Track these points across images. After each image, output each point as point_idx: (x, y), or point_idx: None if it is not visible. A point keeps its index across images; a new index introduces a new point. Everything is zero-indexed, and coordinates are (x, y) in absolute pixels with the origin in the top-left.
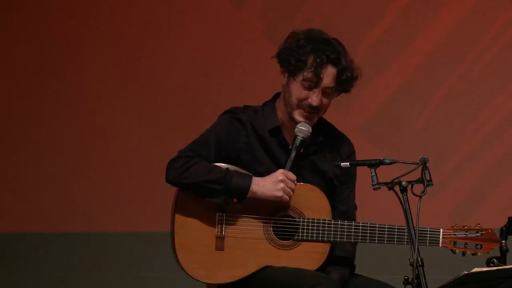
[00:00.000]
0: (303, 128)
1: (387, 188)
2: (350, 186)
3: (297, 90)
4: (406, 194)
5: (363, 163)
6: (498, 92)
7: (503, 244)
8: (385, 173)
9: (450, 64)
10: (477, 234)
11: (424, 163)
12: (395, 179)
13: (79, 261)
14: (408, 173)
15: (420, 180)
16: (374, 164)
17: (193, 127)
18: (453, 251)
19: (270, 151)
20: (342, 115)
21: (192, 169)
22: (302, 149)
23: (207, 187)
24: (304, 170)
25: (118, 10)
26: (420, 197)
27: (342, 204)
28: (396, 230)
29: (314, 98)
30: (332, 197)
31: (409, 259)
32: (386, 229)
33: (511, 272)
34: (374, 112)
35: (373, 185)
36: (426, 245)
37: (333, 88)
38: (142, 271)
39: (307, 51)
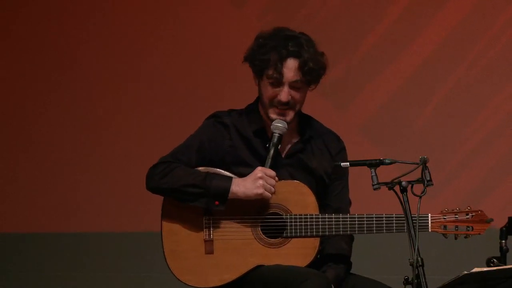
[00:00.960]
0: (279, 125)
1: (387, 188)
2: (342, 182)
3: (266, 90)
4: (406, 194)
5: (363, 163)
6: (498, 92)
7: (503, 244)
8: (385, 173)
9: (450, 64)
10: (467, 216)
11: (424, 163)
12: (395, 179)
13: (79, 261)
14: (408, 173)
15: (420, 180)
16: (374, 164)
17: (193, 127)
18: (444, 236)
19: (256, 152)
20: (342, 115)
21: (171, 175)
22: (280, 146)
23: (187, 191)
24: (292, 169)
25: (118, 10)
26: (420, 197)
27: (335, 201)
28: (384, 218)
29: (283, 94)
30: (324, 195)
31: (409, 259)
32: (374, 218)
33: (511, 272)
34: (374, 112)
35: (373, 185)
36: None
37: (300, 81)
38: (142, 271)
39: (268, 49)
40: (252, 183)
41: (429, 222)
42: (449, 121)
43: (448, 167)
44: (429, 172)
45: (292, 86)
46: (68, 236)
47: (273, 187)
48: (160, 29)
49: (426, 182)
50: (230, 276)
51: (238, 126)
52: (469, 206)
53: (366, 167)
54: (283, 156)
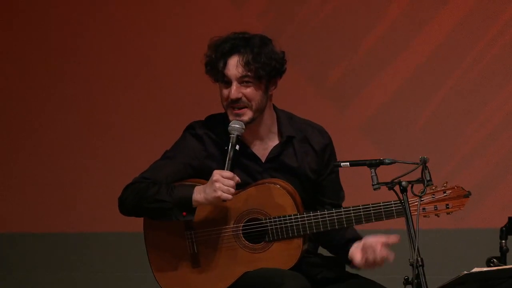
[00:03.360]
0: (235, 126)
1: (387, 188)
2: (331, 175)
3: (221, 93)
4: (406, 194)
5: (363, 163)
6: (498, 92)
7: (503, 244)
8: (385, 173)
9: (450, 64)
10: (445, 195)
11: (424, 163)
12: (395, 179)
13: (79, 261)
14: (408, 173)
15: (420, 180)
16: (374, 164)
17: None
18: (426, 217)
19: (236, 160)
20: (342, 115)
21: (138, 196)
22: (239, 147)
23: (155, 208)
24: (274, 172)
25: (118, 10)
26: (420, 197)
27: (327, 196)
28: (361, 209)
29: (231, 91)
30: (317, 192)
31: (409, 259)
32: (352, 211)
33: (511, 272)
34: (374, 112)
35: (373, 185)
36: (394, 217)
37: (247, 76)
38: (142, 271)
39: (209, 54)
40: (209, 188)
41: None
42: (449, 121)
43: (448, 167)
44: (429, 172)
45: (241, 82)
46: (68, 236)
47: (232, 187)
48: (160, 29)
49: (426, 182)
50: (221, 286)
51: (211, 135)
52: (445, 183)
53: (366, 167)
54: (263, 160)
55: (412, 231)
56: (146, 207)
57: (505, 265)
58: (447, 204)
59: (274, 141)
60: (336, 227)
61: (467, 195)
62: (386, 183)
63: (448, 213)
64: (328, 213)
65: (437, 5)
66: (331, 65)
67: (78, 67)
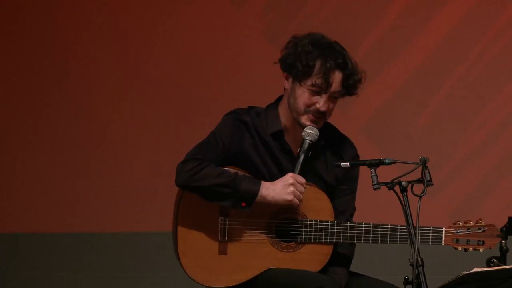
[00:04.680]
0: (311, 132)
1: (387, 188)
2: (350, 188)
3: (304, 96)
4: (406, 194)
5: (363, 163)
6: (498, 92)
7: (503, 244)
8: (385, 173)
9: (450, 64)
10: (479, 231)
11: (424, 163)
12: (395, 179)
13: (79, 261)
14: (408, 173)
15: (420, 180)
16: (374, 164)
17: (193, 128)
18: (455, 248)
19: (273, 155)
20: (342, 115)
21: (202, 173)
22: (310, 153)
23: (216, 190)
24: (305, 175)
25: (118, 10)
26: (420, 197)
27: (340, 204)
28: (398, 230)
29: (322, 104)
30: (331, 199)
31: (409, 259)
32: (389, 229)
33: (511, 272)
34: (374, 112)
35: (373, 185)
36: (429, 244)
37: (340, 93)
38: (142, 271)
39: (315, 56)
40: (282, 189)
41: (443, 236)
42: (449, 121)
43: (448, 167)
44: (429, 172)
45: (332, 96)
46: (68, 236)
47: (302, 194)
48: (160, 29)
49: (426, 182)
50: (241, 277)
51: (257, 126)
52: (480, 219)
53: (366, 167)
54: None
55: (412, 231)
56: (208, 188)
57: (505, 265)
58: (479, 241)
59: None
60: (370, 241)
61: (500, 235)
62: (386, 183)
63: (476, 249)
64: (365, 227)
65: (437, 5)
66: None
67: (78, 68)
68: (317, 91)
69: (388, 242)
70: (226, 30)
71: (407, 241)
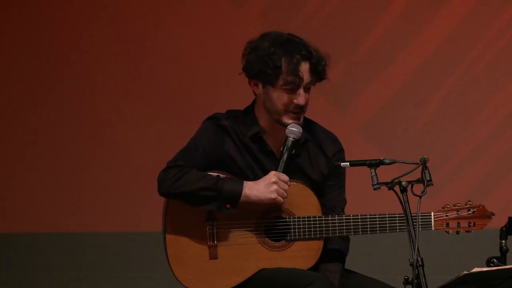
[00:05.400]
0: (294, 129)
1: (387, 188)
2: (339, 182)
3: (281, 97)
4: (406, 194)
5: (363, 163)
6: (498, 92)
7: (503, 244)
8: (385, 173)
9: (450, 64)
10: (469, 212)
11: (424, 163)
12: (395, 179)
13: (79, 261)
14: (408, 173)
15: (420, 180)
16: (374, 164)
17: (193, 128)
18: (446, 232)
19: (255, 157)
20: (342, 115)
21: (184, 178)
22: (294, 150)
23: (199, 194)
24: (290, 173)
25: (118, 10)
26: (420, 197)
27: (330, 200)
28: (387, 219)
29: (300, 98)
30: (320, 195)
31: (409, 259)
32: (377, 219)
33: (511, 272)
34: (374, 112)
35: (373, 185)
36: (419, 230)
37: (312, 82)
38: (142, 271)
39: (279, 55)
40: (265, 187)
41: (432, 221)
42: (449, 121)
43: (448, 167)
44: (429, 172)
45: (306, 88)
46: (68, 236)
47: (286, 192)
48: (160, 29)
49: (426, 182)
50: (235, 280)
51: (236, 130)
52: (469, 201)
53: (366, 167)
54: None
55: (412, 231)
56: (191, 193)
57: (505, 265)
58: (470, 222)
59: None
60: (360, 233)
61: (490, 215)
62: (386, 183)
63: (467, 231)
64: (353, 218)
65: (437, 5)
66: (331, 65)
67: (79, 68)
68: (291, 88)
69: (378, 232)
70: (226, 30)
71: (396, 229)
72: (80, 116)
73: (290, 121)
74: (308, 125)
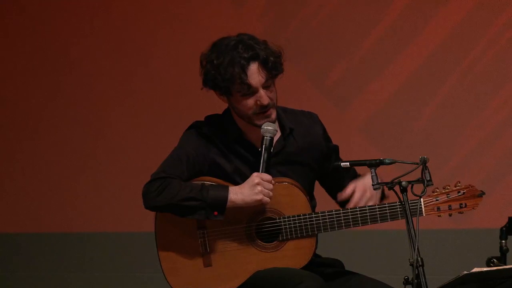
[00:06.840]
0: (269, 128)
1: (387, 188)
2: (336, 157)
3: (243, 104)
4: (406, 194)
5: (363, 163)
6: (498, 92)
7: (503, 244)
8: (385, 173)
9: (450, 64)
10: (459, 194)
11: (424, 163)
12: (395, 179)
13: (79, 261)
14: (408, 173)
15: (420, 180)
16: (374, 164)
17: None
18: (438, 216)
19: (242, 158)
20: (342, 115)
21: (167, 190)
22: (272, 149)
23: (185, 205)
24: (282, 167)
25: (118, 10)
26: (420, 197)
27: (346, 176)
28: (377, 209)
29: (263, 98)
30: (331, 180)
31: (409, 259)
32: (368, 210)
33: (511, 272)
34: (374, 112)
35: (373, 185)
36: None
37: (269, 80)
38: (142, 271)
39: (226, 65)
40: (250, 190)
41: (423, 207)
42: (449, 121)
43: (448, 167)
44: (429, 172)
45: (265, 87)
46: (68, 236)
47: (271, 191)
48: (160, 29)
49: (426, 182)
50: (231, 285)
51: (218, 135)
52: (459, 182)
53: (366, 167)
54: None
55: (412, 231)
56: (176, 204)
57: (505, 265)
58: (461, 204)
59: (276, 135)
60: (351, 226)
61: (481, 194)
62: (386, 183)
63: (460, 213)
64: (343, 212)
65: (437, 5)
66: (331, 65)
67: (78, 68)
68: (248, 93)
69: (369, 223)
70: (226, 30)
71: (388, 219)
72: (80, 116)
73: (262, 121)
74: (287, 114)
